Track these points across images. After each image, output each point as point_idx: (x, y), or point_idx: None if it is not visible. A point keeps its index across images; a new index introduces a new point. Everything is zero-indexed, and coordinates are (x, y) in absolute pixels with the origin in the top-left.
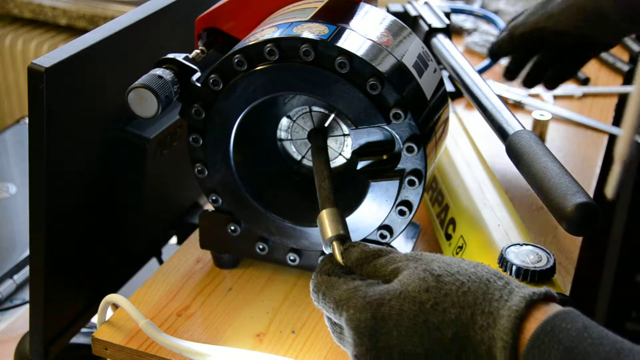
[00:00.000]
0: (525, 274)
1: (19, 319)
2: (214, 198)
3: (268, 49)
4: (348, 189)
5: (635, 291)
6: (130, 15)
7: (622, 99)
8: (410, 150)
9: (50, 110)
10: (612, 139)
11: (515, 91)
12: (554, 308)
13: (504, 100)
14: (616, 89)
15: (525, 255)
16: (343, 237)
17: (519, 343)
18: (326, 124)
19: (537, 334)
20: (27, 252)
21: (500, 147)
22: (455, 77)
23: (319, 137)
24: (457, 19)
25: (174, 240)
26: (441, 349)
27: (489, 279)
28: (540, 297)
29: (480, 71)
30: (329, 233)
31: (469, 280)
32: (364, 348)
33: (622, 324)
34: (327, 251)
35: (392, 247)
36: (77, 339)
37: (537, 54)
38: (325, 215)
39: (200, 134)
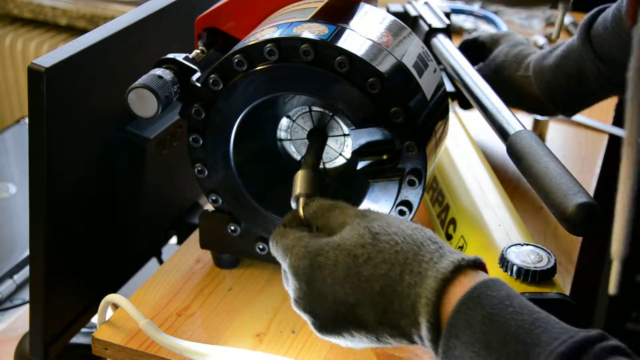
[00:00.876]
0: (526, 274)
1: (19, 319)
2: (214, 198)
3: (268, 49)
4: (348, 189)
5: (635, 291)
6: (130, 15)
7: (622, 99)
8: (410, 150)
9: (50, 110)
10: (612, 139)
11: None
12: (481, 276)
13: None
14: None
15: (526, 255)
16: (309, 195)
17: (442, 302)
18: (326, 124)
19: (464, 300)
20: (27, 252)
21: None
22: (455, 77)
23: (318, 136)
24: (457, 19)
25: (174, 240)
26: (370, 300)
27: (422, 242)
28: (468, 264)
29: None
30: (298, 190)
31: (403, 240)
32: (301, 292)
33: (622, 324)
34: (294, 207)
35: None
36: (77, 339)
37: None
38: (299, 175)
39: (200, 134)
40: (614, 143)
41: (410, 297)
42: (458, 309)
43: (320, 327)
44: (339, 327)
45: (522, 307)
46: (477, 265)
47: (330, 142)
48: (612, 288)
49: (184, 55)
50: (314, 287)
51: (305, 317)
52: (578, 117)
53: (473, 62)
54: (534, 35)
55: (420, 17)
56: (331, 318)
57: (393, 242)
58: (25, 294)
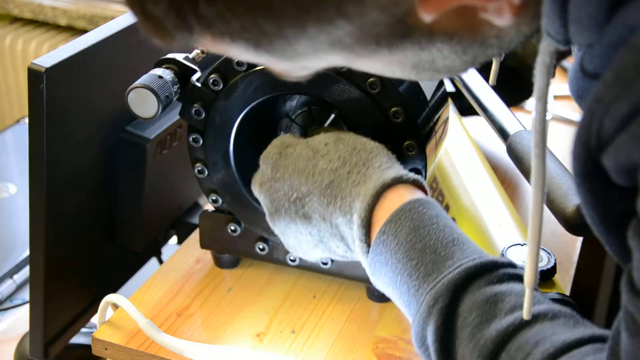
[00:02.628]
0: None
1: (19, 319)
2: (214, 198)
3: None
4: None
5: None
6: (130, 16)
7: None
8: (410, 150)
9: (50, 110)
10: None
11: None
12: (420, 195)
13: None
14: None
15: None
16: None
17: (377, 207)
18: (326, 124)
19: (397, 212)
20: (27, 252)
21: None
22: (456, 77)
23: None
24: None
25: (174, 240)
26: (317, 192)
27: (377, 154)
28: (409, 180)
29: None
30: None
31: (362, 148)
32: (266, 177)
33: None
34: None
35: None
36: (77, 339)
37: None
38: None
39: (200, 134)
40: None
41: (351, 195)
42: (390, 219)
43: (272, 214)
44: (287, 217)
45: (445, 226)
46: (418, 185)
47: None
48: (525, 314)
49: (184, 55)
50: (276, 172)
51: (263, 202)
52: (578, 117)
53: None
54: None
55: None
56: (283, 205)
57: (352, 146)
58: (25, 294)
